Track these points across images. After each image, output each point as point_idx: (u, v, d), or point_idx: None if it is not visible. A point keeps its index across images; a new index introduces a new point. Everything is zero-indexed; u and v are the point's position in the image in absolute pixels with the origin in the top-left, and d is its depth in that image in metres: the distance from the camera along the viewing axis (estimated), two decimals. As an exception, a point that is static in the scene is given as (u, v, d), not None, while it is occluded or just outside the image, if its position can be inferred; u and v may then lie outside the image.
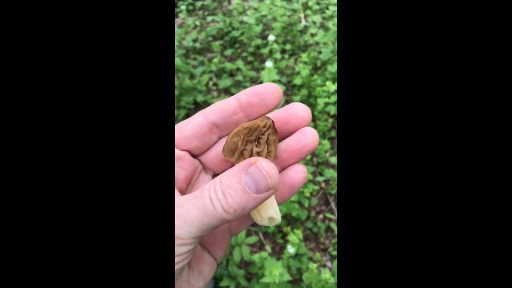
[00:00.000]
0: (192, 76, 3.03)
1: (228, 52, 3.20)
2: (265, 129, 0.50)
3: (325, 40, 2.85)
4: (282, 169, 0.55)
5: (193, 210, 0.44)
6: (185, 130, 0.53)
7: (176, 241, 0.44)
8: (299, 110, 0.51)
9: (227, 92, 2.94)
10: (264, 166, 0.45)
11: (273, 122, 0.50)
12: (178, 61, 2.93)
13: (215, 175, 0.57)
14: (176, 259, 0.44)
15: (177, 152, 0.53)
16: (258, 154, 0.50)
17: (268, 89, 0.51)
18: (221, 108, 0.52)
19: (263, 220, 0.53)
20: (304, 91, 2.67)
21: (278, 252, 2.08)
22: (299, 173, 0.53)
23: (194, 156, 0.55)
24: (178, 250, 0.44)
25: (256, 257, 1.76)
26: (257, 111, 0.52)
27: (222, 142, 0.55)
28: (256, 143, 0.50)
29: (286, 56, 3.12)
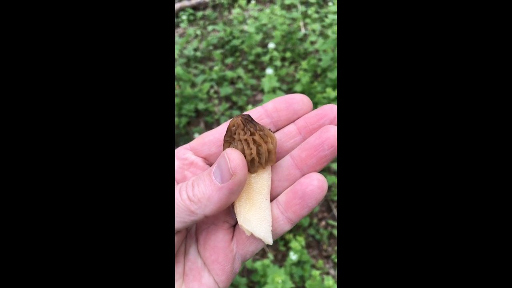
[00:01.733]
0: (193, 85, 3.05)
1: (229, 60, 3.23)
2: (235, 128, 0.49)
3: (324, 47, 2.87)
4: (303, 173, 0.50)
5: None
6: (206, 137, 0.53)
7: None
8: (328, 112, 0.50)
9: (228, 100, 2.96)
10: (227, 153, 0.45)
11: (245, 119, 0.48)
12: (179, 70, 2.95)
13: None
14: None
15: (191, 157, 0.53)
16: None
17: (297, 96, 0.52)
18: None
19: (243, 229, 0.49)
20: (304, 98, 2.67)
21: (280, 260, 2.06)
22: (312, 180, 0.47)
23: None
24: None
25: (258, 264, 1.74)
26: (285, 116, 0.52)
27: None
28: (234, 143, 0.49)
29: (286, 63, 3.14)
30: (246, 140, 0.48)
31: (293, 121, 0.53)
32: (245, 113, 0.51)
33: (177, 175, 0.52)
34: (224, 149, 0.51)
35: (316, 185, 0.47)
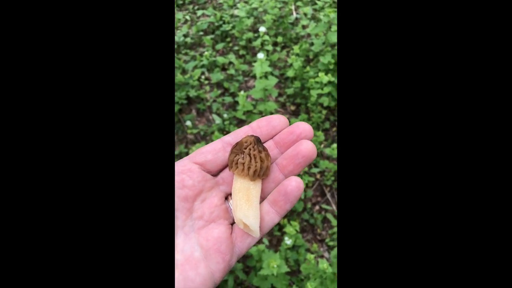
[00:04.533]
0: (184, 71, 3.00)
1: (220, 46, 3.17)
2: (247, 144, 0.62)
3: (316, 31, 2.83)
4: (285, 176, 0.64)
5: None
6: (203, 148, 0.64)
7: None
8: (302, 130, 0.62)
9: (220, 86, 2.92)
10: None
11: (256, 138, 0.62)
12: (169, 56, 2.88)
13: (226, 193, 0.65)
14: None
15: (189, 165, 0.62)
16: (242, 164, 0.60)
17: (275, 116, 0.66)
18: (234, 132, 0.66)
19: (238, 223, 0.60)
20: (297, 83, 2.65)
21: (275, 245, 2.08)
22: (292, 182, 0.61)
23: (209, 171, 0.64)
24: None
25: (253, 250, 1.75)
26: (266, 131, 0.65)
27: None
28: (242, 155, 0.61)
29: (278, 48, 3.10)
30: (254, 155, 0.61)
31: (272, 137, 0.66)
32: (252, 134, 0.65)
33: (177, 177, 0.60)
34: (229, 158, 0.62)
35: (295, 185, 0.61)
